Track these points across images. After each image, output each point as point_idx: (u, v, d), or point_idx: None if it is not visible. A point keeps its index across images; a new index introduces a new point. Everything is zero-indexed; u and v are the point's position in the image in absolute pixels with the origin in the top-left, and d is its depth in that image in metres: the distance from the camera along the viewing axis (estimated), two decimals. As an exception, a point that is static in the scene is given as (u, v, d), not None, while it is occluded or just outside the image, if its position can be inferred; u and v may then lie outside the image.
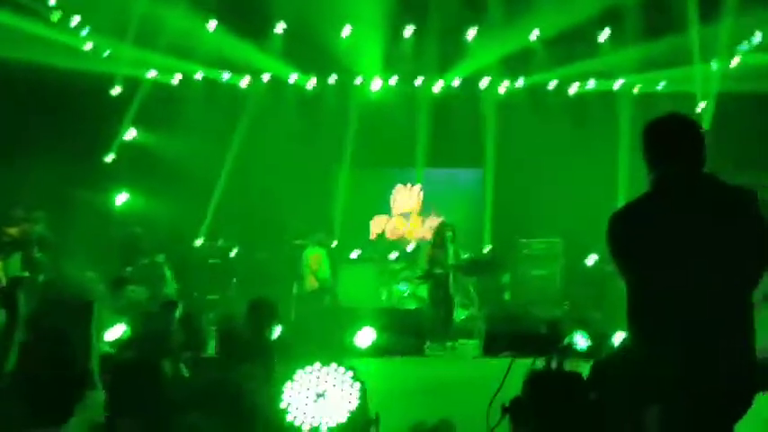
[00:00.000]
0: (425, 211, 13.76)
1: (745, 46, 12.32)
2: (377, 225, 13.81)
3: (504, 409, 3.46)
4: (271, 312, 5.20)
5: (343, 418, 3.41)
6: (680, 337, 3.02)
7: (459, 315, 11.38)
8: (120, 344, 6.83)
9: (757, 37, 12.12)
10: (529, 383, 3.47)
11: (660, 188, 3.19)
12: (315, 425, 3.36)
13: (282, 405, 3.37)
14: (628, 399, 3.19)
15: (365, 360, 8.34)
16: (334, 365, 3.51)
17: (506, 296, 12.33)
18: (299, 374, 3.45)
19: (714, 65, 12.27)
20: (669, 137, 3.22)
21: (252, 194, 12.26)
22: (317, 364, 3.48)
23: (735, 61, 12.29)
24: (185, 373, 5.94)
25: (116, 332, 7.12)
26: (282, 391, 3.41)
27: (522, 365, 4.35)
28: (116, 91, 12.51)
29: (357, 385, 3.50)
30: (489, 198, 13.41)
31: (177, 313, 7.94)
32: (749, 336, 3.13)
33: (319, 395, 3.41)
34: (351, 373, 3.51)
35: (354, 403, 3.43)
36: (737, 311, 3.11)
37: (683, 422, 3.06)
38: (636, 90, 13.03)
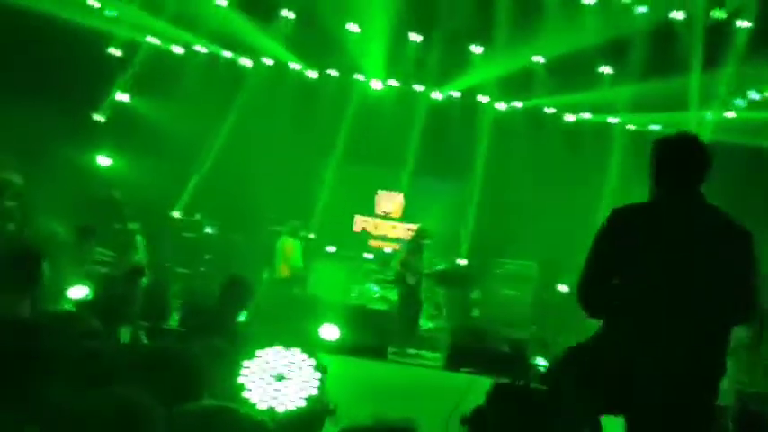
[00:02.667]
0: (407, 216, 13.76)
1: (740, 101, 12.49)
2: (360, 223, 13.79)
3: (465, 420, 3.44)
4: (248, 292, 5.12)
5: (300, 403, 3.35)
6: (642, 347, 3.09)
7: (425, 324, 11.35)
8: (81, 304, 6.72)
9: (753, 94, 12.30)
10: (493, 395, 3.46)
11: (660, 203, 3.26)
12: (271, 405, 3.30)
13: (240, 381, 3.32)
14: (582, 391, 3.20)
15: (326, 355, 8.26)
16: (297, 350, 3.45)
17: (474, 312, 12.31)
18: (260, 353, 3.39)
19: (709, 114, 12.40)
20: (675, 159, 3.28)
21: (236, 174, 12.15)
22: (279, 347, 3.43)
23: (730, 114, 12.45)
24: (144, 341, 5.85)
25: (79, 292, 7.01)
26: (241, 367, 3.34)
27: (483, 384, 4.32)
28: (115, 52, 12.36)
29: (318, 374, 3.44)
30: (471, 213, 13.41)
31: (143, 281, 7.83)
32: (717, 363, 3.16)
33: (278, 378, 3.35)
34: (313, 361, 3.46)
35: (313, 391, 3.37)
36: (708, 335, 3.14)
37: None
38: (630, 127, 13.14)
